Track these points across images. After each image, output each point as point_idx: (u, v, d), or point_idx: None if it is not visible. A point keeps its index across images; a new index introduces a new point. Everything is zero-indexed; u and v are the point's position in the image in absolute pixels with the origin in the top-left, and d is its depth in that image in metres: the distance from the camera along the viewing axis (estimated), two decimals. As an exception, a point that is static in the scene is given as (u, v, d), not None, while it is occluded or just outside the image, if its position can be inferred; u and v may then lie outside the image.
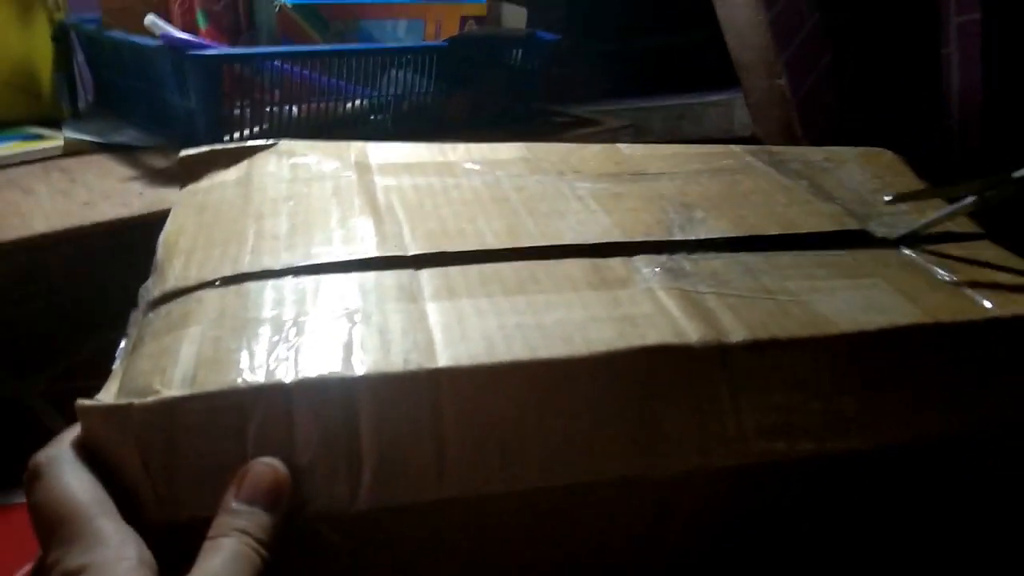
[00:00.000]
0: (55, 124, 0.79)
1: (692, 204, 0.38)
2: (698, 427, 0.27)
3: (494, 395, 0.26)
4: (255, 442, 0.24)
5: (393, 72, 0.77)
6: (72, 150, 0.73)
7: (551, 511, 0.28)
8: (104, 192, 0.61)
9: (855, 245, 0.35)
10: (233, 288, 0.30)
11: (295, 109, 0.72)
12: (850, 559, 0.32)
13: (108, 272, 0.56)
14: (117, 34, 0.74)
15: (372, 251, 0.32)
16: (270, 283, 0.30)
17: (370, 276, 0.30)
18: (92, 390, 0.26)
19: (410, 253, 0.32)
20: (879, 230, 0.36)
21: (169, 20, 0.71)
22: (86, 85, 0.89)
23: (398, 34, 0.85)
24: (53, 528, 0.23)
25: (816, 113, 1.00)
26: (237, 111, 0.69)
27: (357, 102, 0.76)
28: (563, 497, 0.27)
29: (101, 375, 0.28)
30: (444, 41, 0.79)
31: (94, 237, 0.54)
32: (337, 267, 0.31)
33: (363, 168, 0.40)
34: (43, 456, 0.25)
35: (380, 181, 0.38)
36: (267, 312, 0.28)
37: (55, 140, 0.74)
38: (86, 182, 0.63)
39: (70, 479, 0.24)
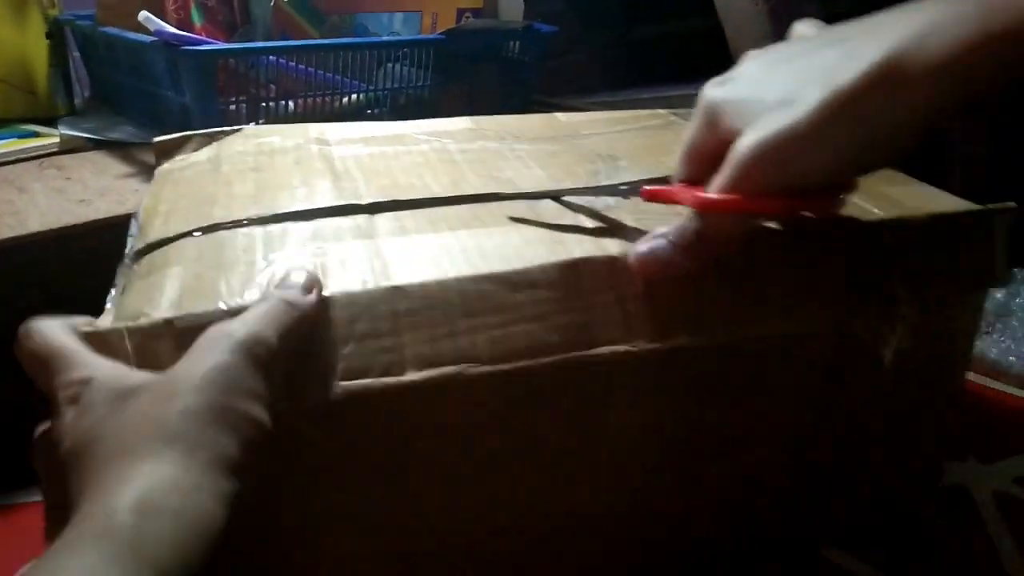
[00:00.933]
0: (51, 121, 0.79)
1: (617, 155, 0.42)
2: (622, 321, 0.31)
3: (444, 305, 0.30)
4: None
5: (389, 66, 0.77)
6: (68, 147, 0.73)
7: (501, 403, 0.32)
8: (100, 189, 0.60)
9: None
10: (209, 236, 0.34)
11: (291, 104, 0.72)
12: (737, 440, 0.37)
13: (105, 270, 0.56)
14: (111, 30, 0.74)
15: (330, 201, 0.35)
16: (241, 231, 0.34)
17: (331, 222, 0.34)
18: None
19: (364, 201, 0.35)
20: None
21: (163, 16, 0.70)
22: (82, 82, 0.88)
23: (394, 27, 0.84)
24: (47, 364, 0.26)
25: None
26: (233, 107, 0.68)
27: (353, 96, 0.75)
28: (511, 386, 0.31)
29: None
30: (440, 34, 0.79)
31: (90, 235, 0.54)
32: (299, 215, 0.35)
33: (322, 142, 0.44)
34: (35, 320, 0.27)
35: (337, 151, 0.42)
36: (240, 253, 0.32)
37: (51, 137, 0.74)
38: (82, 179, 0.63)
39: (59, 331, 0.27)
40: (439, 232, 0.33)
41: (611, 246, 0.33)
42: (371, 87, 0.76)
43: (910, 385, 0.39)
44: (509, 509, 0.35)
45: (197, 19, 0.76)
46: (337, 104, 0.75)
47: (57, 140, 0.73)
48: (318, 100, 0.73)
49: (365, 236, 0.33)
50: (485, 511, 0.34)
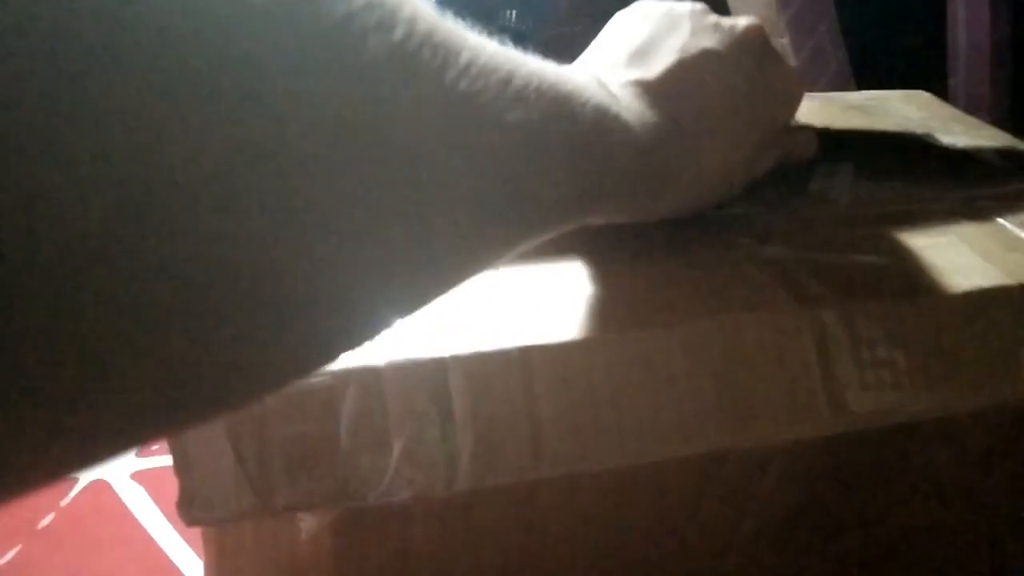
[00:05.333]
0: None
1: None
2: (788, 397, 0.26)
3: (584, 371, 0.24)
4: (348, 424, 0.23)
5: (382, 33, 0.74)
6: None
7: (641, 487, 0.27)
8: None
9: (928, 164, 0.37)
10: None
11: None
12: (921, 521, 0.32)
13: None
14: None
15: None
16: None
17: None
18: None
19: None
20: (944, 139, 0.38)
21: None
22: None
23: (386, -5, 0.82)
24: None
25: (818, 73, 0.97)
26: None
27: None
28: (654, 472, 0.26)
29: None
30: (433, 0, 0.77)
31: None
32: None
33: None
34: None
35: None
36: None
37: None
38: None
39: None
40: (551, 262, 0.28)
41: (777, 299, 0.26)
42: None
43: None
44: None
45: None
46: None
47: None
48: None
49: (484, 278, 0.28)
50: None
